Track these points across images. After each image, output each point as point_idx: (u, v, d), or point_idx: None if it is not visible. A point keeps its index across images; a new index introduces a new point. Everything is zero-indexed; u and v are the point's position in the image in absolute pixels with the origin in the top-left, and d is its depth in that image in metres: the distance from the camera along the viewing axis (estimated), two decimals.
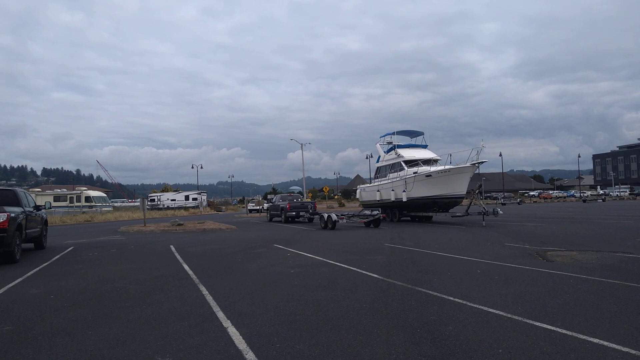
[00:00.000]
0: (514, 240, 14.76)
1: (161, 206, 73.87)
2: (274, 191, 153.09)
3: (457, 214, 24.06)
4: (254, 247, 14.73)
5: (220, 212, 65.87)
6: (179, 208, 65.11)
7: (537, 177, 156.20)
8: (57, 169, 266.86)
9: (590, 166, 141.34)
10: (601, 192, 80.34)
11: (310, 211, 27.68)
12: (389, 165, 28.50)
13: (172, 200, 73.13)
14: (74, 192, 49.89)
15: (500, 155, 76.17)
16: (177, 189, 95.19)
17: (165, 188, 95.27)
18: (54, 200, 49.31)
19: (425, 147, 28.69)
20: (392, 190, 26.81)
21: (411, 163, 26.06)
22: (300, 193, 69.94)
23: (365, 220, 22.60)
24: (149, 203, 79.37)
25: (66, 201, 48.85)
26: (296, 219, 29.08)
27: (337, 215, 21.57)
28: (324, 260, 11.12)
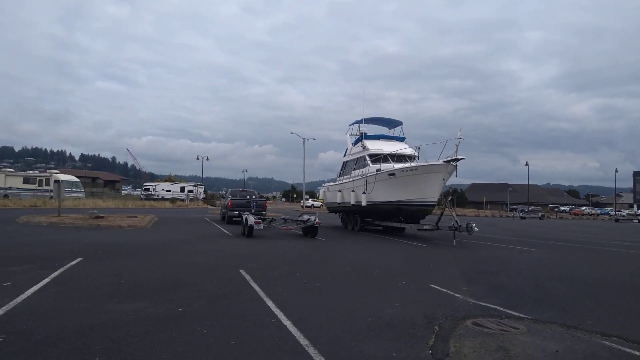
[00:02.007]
0: (461, 277, 9.12)
1: (156, 196, 70.32)
2: (293, 189, 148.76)
3: (425, 227, 18.26)
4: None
5: (211, 207, 61.36)
6: (170, 199, 61.18)
7: (573, 192, 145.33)
8: (94, 155, 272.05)
9: (631, 184, 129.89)
10: (639, 211, 71.35)
11: (253, 210, 22.37)
12: (354, 160, 22.83)
13: (167, 190, 69.54)
14: (44, 175, 46.32)
15: (527, 164, 68.63)
16: (173, 178, 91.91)
17: (169, 178, 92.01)
18: (23, 182, 45.96)
19: (401, 139, 22.84)
20: (353, 191, 21.19)
21: (377, 158, 20.29)
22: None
23: (290, 227, 17.13)
24: (143, 193, 76.31)
25: (35, 184, 45.32)
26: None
27: (255, 219, 16.17)
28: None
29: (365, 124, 23.84)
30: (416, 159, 20.34)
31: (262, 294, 6.83)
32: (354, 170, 22.34)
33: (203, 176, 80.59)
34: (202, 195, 71.60)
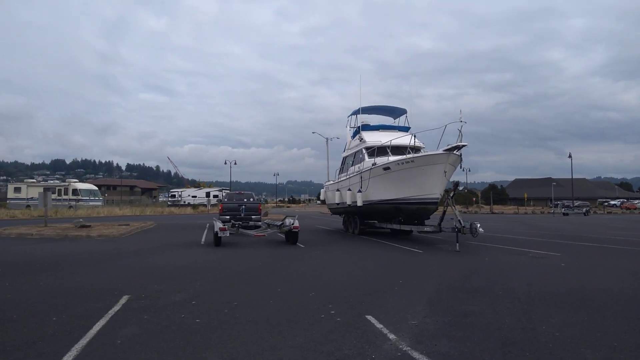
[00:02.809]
0: (426, 299, 6.69)
1: (182, 202, 70.25)
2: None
3: (426, 229, 15.64)
4: None
5: None
6: (192, 205, 60.58)
7: (625, 185, 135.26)
8: (140, 164, 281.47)
9: None
10: None
11: (242, 214, 20.39)
12: (352, 154, 20.32)
13: (192, 196, 69.20)
14: (63, 184, 46.32)
15: (570, 156, 63.25)
16: (201, 184, 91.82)
17: (198, 184, 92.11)
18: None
19: (406, 129, 20.12)
20: (349, 189, 18.75)
21: (374, 150, 17.74)
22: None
23: (262, 234, 14.87)
24: (170, 199, 76.32)
25: (55, 193, 45.33)
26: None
27: (221, 225, 14.05)
28: None
29: (368, 114, 21.29)
30: (423, 150, 17.63)
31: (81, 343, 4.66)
32: (351, 166, 19.88)
33: (244, 181, 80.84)
34: None
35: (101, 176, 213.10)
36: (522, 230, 22.67)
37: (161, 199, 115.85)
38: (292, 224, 14.68)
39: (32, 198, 46.04)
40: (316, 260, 11.38)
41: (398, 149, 17.18)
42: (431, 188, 14.77)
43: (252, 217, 21.64)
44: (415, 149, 17.11)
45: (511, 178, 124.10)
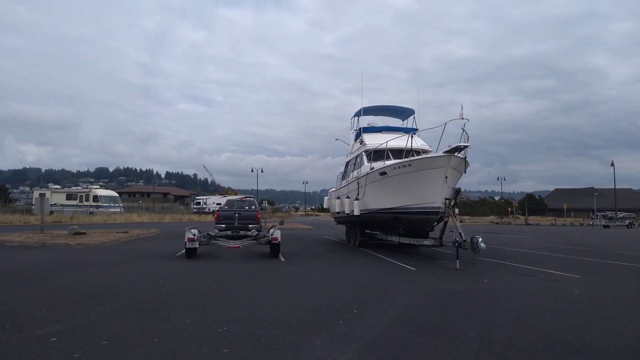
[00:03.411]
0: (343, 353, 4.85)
1: (207, 210, 70.26)
2: None
3: (425, 242, 13.75)
4: None
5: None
6: (213, 212, 60.20)
7: None
8: (178, 172, 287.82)
9: None
10: None
11: (236, 223, 19.02)
12: (353, 158, 18.59)
13: (217, 204, 68.77)
14: (84, 190, 46.63)
15: (612, 165, 58.84)
16: (228, 192, 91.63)
17: (226, 192, 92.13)
18: (66, 199, 46.55)
19: (413, 131, 18.22)
20: (347, 197, 17.04)
21: (374, 154, 15.99)
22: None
23: (236, 246, 13.24)
24: (195, 206, 76.38)
25: (77, 200, 45.71)
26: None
27: (191, 235, 12.61)
28: None
29: (374, 116, 19.54)
30: (430, 153, 15.74)
31: None
32: (352, 171, 18.16)
33: (278, 189, 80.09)
34: None
35: (141, 183, 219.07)
36: (548, 245, 20.24)
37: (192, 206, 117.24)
38: (272, 234, 13.12)
39: (55, 204, 46.61)
40: (283, 277, 9.77)
41: (399, 152, 15.38)
42: (431, 195, 12.90)
43: (249, 225, 20.26)
44: (418, 152, 15.23)
45: (552, 188, 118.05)
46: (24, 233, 20.47)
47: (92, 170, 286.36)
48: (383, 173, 14.21)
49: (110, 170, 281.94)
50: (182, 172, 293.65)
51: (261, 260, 12.61)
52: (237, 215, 19.42)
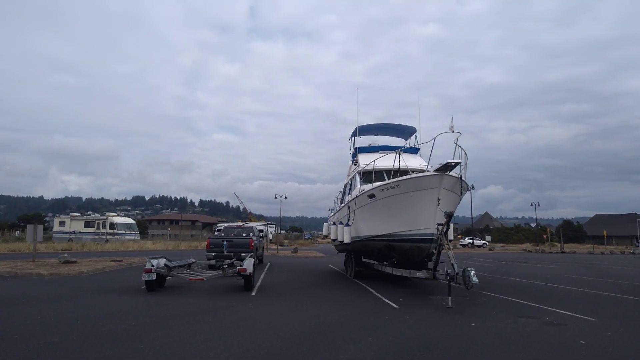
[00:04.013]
0: None
1: None
2: None
3: (418, 275, 12.01)
4: None
5: (279, 246, 57.95)
6: None
7: None
8: (211, 200, 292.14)
9: None
10: None
11: (225, 252, 17.79)
12: (349, 181, 17.06)
13: None
14: (102, 218, 46.63)
15: None
16: (252, 219, 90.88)
17: (250, 219, 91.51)
18: (85, 226, 46.63)
19: (414, 150, 16.63)
20: (341, 222, 15.52)
21: (368, 176, 14.47)
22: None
23: (200, 278, 11.72)
24: (216, 233, 75.77)
25: (94, 227, 45.71)
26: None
27: (149, 266, 11.27)
28: None
29: (374, 135, 18.08)
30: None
31: None
32: (347, 195, 16.64)
33: (309, 216, 78.60)
34: (271, 235, 68.74)
35: (176, 211, 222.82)
36: (575, 276, 17.92)
37: (214, 233, 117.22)
38: (242, 265, 11.70)
39: (74, 232, 46.80)
40: (230, 318, 8.30)
41: (395, 174, 13.82)
42: (424, 220, 11.28)
43: (242, 253, 18.92)
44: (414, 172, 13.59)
45: (593, 214, 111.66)
46: (12, 262, 19.79)
47: (129, 198, 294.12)
48: (372, 196, 12.69)
49: (147, 198, 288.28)
50: (215, 200, 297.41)
51: (227, 295, 11.17)
52: (225, 243, 18.16)
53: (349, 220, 14.26)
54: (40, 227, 21.73)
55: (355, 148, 17.09)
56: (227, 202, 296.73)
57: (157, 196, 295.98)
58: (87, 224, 46.59)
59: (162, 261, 11.74)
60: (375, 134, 18.53)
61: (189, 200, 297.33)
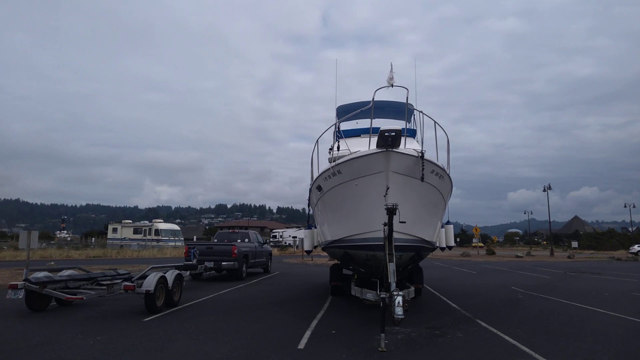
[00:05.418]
0: None
1: (283, 243, 68.59)
2: (463, 232, 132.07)
3: (368, 296, 8.74)
4: None
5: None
6: (281, 246, 58.90)
7: None
8: (288, 207, 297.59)
9: None
10: None
11: (193, 260, 15.39)
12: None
13: (293, 237, 66.47)
14: (148, 224, 46.90)
15: None
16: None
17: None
18: (134, 233, 47.23)
19: (410, 134, 13.08)
20: (318, 225, 12.46)
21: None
22: None
23: (78, 297, 9.06)
24: (271, 239, 74.58)
25: (141, 234, 46.12)
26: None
27: (24, 281, 8.97)
28: None
29: (360, 119, 14.63)
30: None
31: None
32: None
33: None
34: None
35: (255, 218, 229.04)
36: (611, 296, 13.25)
37: (269, 240, 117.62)
38: (132, 282, 9.07)
39: (124, 238, 47.61)
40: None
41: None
42: (376, 219, 8.02)
43: (223, 263, 16.48)
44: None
45: None
46: (7, 270, 19.04)
47: (212, 207, 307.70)
48: (319, 188, 9.61)
49: (229, 206, 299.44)
50: (292, 207, 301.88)
51: (117, 319, 8.66)
52: (194, 250, 15.78)
53: (307, 221, 11.24)
54: (36, 233, 20.84)
55: (335, 132, 13.84)
56: (303, 209, 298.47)
57: (238, 204, 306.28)
58: (136, 231, 47.15)
59: (39, 274, 9.49)
60: (364, 117, 15.08)
61: (267, 208, 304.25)
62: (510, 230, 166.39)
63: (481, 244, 62.38)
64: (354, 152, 8.65)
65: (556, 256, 50.39)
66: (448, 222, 11.69)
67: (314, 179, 10.07)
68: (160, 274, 9.45)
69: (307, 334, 7.42)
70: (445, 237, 11.55)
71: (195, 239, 57.80)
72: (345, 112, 14.29)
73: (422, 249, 9.43)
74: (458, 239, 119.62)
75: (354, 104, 14.46)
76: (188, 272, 13.10)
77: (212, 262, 16.29)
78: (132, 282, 9.19)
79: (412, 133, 13.29)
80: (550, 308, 10.65)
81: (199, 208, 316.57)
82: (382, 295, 6.57)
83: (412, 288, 9.43)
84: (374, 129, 12.82)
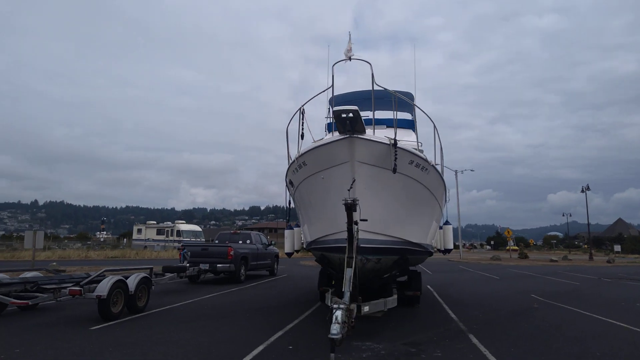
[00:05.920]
0: None
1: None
2: (497, 235, 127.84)
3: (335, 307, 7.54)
4: None
5: None
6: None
7: None
8: None
9: None
10: None
11: (184, 262, 14.70)
12: None
13: None
14: (171, 225, 47.02)
15: None
16: None
17: None
18: (157, 234, 47.49)
19: (408, 125, 11.88)
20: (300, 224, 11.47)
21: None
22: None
23: (22, 302, 8.26)
24: (216, 241, 73.63)
25: (164, 235, 46.30)
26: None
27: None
28: None
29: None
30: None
31: None
32: None
33: None
34: None
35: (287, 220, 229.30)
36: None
37: None
38: (97, 293, 8.27)
39: (148, 239, 47.98)
40: None
41: None
42: (325, 220, 7.06)
43: (218, 265, 15.70)
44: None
45: None
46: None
47: (246, 209, 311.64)
48: (291, 183, 8.61)
49: (262, 208, 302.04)
50: None
51: (62, 326, 7.94)
52: (185, 252, 15.06)
53: (288, 218, 10.26)
54: (41, 234, 20.81)
55: (327, 124, 12.78)
56: None
57: (271, 206, 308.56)
58: (159, 232, 47.41)
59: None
60: (363, 109, 13.89)
61: None
62: (549, 234, 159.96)
63: (515, 247, 59.51)
64: (317, 141, 7.62)
65: (595, 260, 47.23)
66: (447, 223, 10.45)
67: (285, 173, 9.08)
68: (117, 277, 8.68)
69: (259, 349, 6.43)
70: (443, 239, 10.30)
71: (211, 240, 57.74)
72: (338, 103, 13.20)
73: (407, 251, 8.28)
74: (492, 242, 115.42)
75: (348, 94, 13.35)
76: (170, 275, 12.38)
77: (207, 265, 15.54)
78: (81, 286, 8.43)
79: (410, 124, 12.08)
80: (563, 320, 9.25)
81: (233, 210, 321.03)
82: (332, 306, 5.49)
83: (395, 296, 8.26)
84: (373, 120, 11.80)
